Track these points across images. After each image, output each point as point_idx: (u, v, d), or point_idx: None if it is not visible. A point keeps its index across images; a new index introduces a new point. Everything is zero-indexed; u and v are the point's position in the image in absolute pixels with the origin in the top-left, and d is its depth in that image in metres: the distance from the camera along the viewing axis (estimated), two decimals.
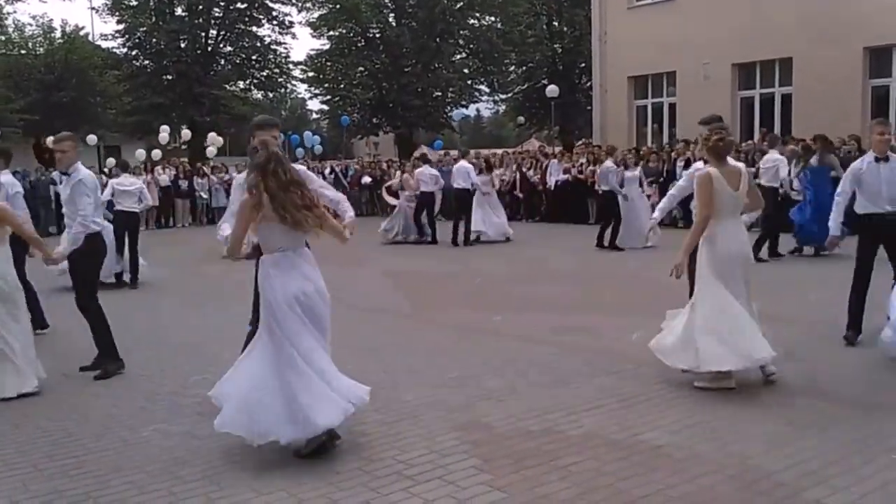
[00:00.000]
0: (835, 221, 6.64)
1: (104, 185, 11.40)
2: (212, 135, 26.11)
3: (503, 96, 39.19)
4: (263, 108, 41.42)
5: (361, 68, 35.04)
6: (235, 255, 4.67)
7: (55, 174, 21.40)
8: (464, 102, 38.09)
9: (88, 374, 6.25)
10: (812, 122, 17.39)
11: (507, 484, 3.95)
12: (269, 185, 4.32)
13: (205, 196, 23.00)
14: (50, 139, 6.50)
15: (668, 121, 22.71)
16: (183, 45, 34.79)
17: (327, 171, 24.82)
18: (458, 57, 36.33)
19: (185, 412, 5.29)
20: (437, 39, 34.55)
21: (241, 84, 38.08)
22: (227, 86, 36.49)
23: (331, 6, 34.51)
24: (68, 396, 5.78)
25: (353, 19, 33.70)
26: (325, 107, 38.67)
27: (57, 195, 19.61)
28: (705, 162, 5.55)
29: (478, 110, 49.20)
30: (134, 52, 35.57)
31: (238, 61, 37.24)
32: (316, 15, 35.76)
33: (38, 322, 7.49)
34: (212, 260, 14.01)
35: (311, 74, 36.82)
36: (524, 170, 20.59)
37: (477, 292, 10.09)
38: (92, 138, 27.15)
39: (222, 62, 36.93)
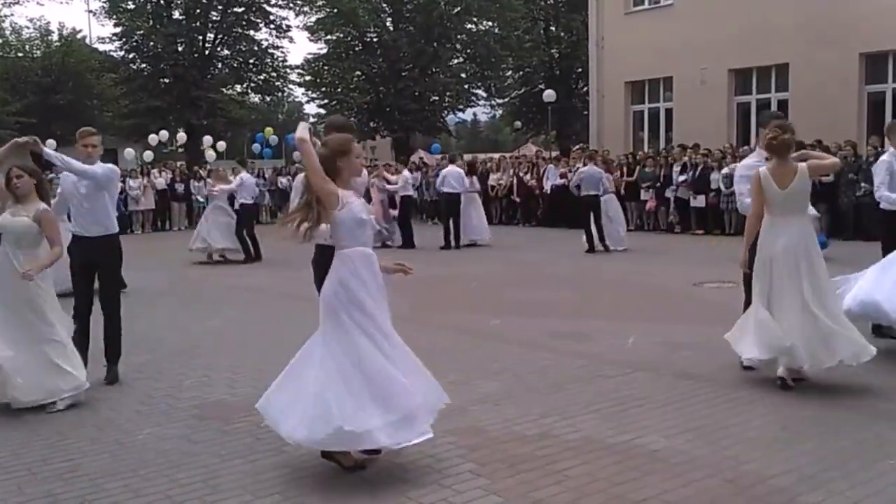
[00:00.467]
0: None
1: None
2: (207, 138, 26.11)
3: (500, 101, 39.24)
4: (260, 112, 41.47)
5: (358, 72, 35.05)
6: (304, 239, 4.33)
7: (50, 176, 21.50)
8: (461, 107, 38.11)
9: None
10: (808, 127, 17.41)
11: (503, 488, 3.94)
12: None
13: (201, 199, 22.99)
14: (81, 132, 6.11)
15: (665, 126, 22.76)
16: (180, 49, 34.77)
17: None
18: (456, 61, 36.35)
19: (180, 416, 5.28)
20: (435, 44, 34.56)
21: (238, 87, 38.07)
22: (224, 89, 36.47)
23: (328, 10, 34.52)
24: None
25: (351, 23, 33.71)
26: (321, 110, 38.68)
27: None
28: (767, 159, 5.59)
29: (475, 115, 49.26)
30: (131, 56, 35.53)
31: (235, 65, 37.23)
32: (313, 19, 35.77)
33: None
34: (208, 264, 14.02)
35: (308, 78, 36.81)
36: (521, 174, 20.63)
37: (473, 296, 10.09)
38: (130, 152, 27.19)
39: (219, 66, 36.90)
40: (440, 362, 6.48)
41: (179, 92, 33.78)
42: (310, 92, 37.86)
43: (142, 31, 34.19)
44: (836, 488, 3.83)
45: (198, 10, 34.87)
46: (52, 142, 25.78)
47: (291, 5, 36.32)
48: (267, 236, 19.59)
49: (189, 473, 4.25)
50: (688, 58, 20.70)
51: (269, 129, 27.16)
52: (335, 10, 33.70)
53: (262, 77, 37.95)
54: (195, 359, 6.79)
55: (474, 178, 16.67)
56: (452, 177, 15.38)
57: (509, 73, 37.81)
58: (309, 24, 35.87)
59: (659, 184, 17.57)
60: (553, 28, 36.39)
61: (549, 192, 19.56)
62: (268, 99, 42.21)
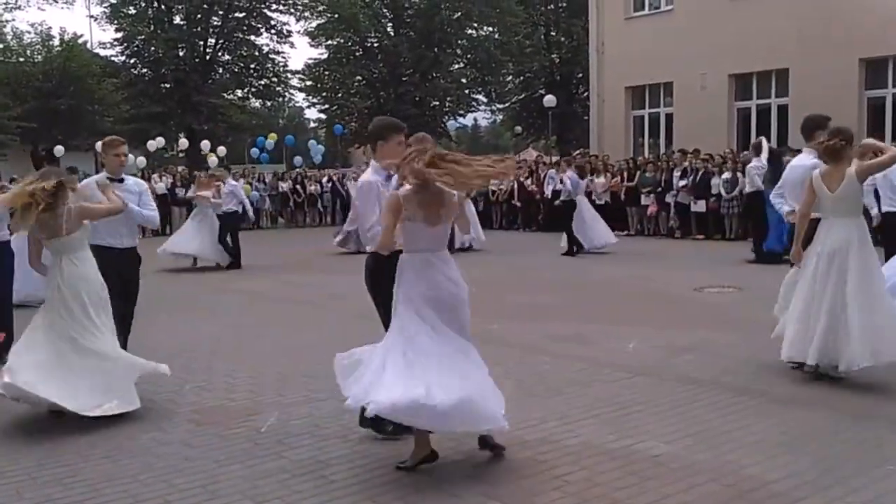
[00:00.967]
0: None
1: None
2: (204, 143, 26.10)
3: (500, 106, 39.27)
4: (261, 117, 41.50)
5: (359, 77, 35.10)
6: (389, 249, 4.42)
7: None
8: (461, 112, 38.16)
9: None
10: None
11: (504, 494, 3.94)
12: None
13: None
14: (99, 143, 6.06)
15: (665, 131, 22.77)
16: (181, 54, 34.82)
17: (325, 179, 24.87)
18: (456, 67, 36.41)
19: (179, 420, 5.27)
20: (435, 49, 34.62)
21: (239, 92, 38.11)
22: (225, 94, 36.53)
23: (329, 15, 34.60)
24: None
25: (352, 29, 33.78)
26: (322, 115, 38.73)
27: None
28: (826, 162, 5.75)
29: (475, 120, 49.27)
30: (132, 61, 35.60)
31: (236, 70, 37.29)
32: (314, 24, 35.85)
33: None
34: (205, 268, 14.01)
35: (308, 83, 36.87)
36: (521, 179, 20.64)
37: (473, 300, 10.04)
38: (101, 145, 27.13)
39: (220, 71, 36.97)
40: None
41: (180, 97, 33.84)
42: (310, 97, 37.98)
43: (143, 37, 34.26)
44: (836, 493, 3.82)
45: (199, 16, 34.93)
46: (60, 148, 25.89)
47: (292, 10, 36.42)
48: (268, 241, 19.64)
49: (188, 479, 4.24)
50: (688, 63, 20.72)
51: (273, 135, 27.18)
52: (336, 16, 33.78)
53: (262, 82, 38.01)
54: (193, 363, 6.78)
55: None
56: None
57: (510, 78, 37.86)
58: (310, 29, 35.98)
59: (660, 188, 17.58)
60: (553, 33, 36.44)
61: (549, 196, 19.55)
62: (268, 104, 42.26)
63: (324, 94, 36.68)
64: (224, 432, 4.98)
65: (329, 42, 35.65)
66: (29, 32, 33.97)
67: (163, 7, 34.64)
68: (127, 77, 34.72)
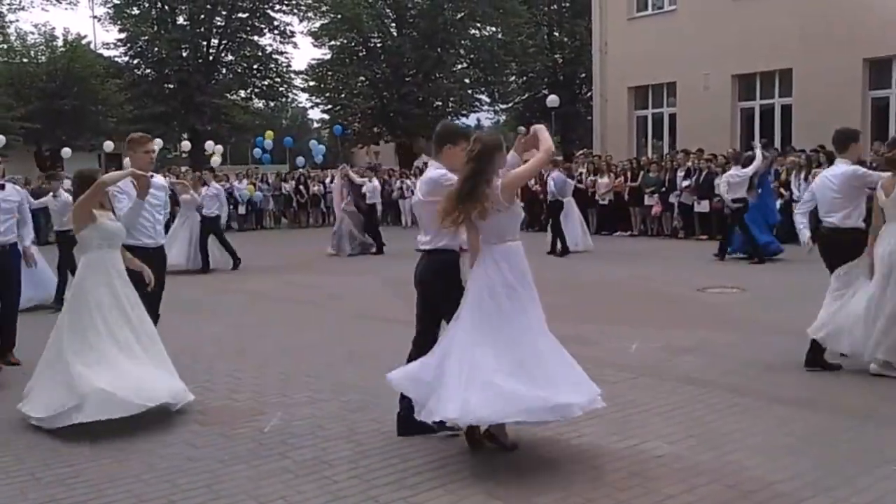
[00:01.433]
0: None
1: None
2: (209, 143, 26.13)
3: (504, 106, 39.24)
4: (264, 117, 41.53)
5: (362, 78, 35.10)
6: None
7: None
8: (464, 112, 38.14)
9: None
10: (812, 133, 17.40)
11: (506, 494, 3.94)
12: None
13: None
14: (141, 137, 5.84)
15: (669, 131, 22.75)
16: (185, 54, 34.86)
17: (328, 180, 24.86)
18: (459, 67, 36.38)
19: (182, 421, 5.27)
20: (439, 49, 34.60)
21: (242, 93, 38.13)
22: (228, 94, 36.56)
23: (332, 16, 34.60)
24: None
25: (355, 29, 33.78)
26: (325, 116, 38.74)
27: None
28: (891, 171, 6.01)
29: (478, 120, 49.22)
30: (136, 61, 35.65)
31: (239, 70, 37.31)
32: (317, 25, 35.85)
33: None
34: (205, 269, 13.98)
35: (312, 84, 36.88)
36: None
37: None
38: (108, 144, 27.19)
39: (224, 71, 37.00)
40: None
41: (184, 97, 33.87)
42: (313, 97, 37.95)
43: (146, 37, 34.30)
44: (838, 494, 3.82)
45: (202, 16, 34.97)
46: (67, 150, 25.91)
47: (296, 11, 36.44)
48: (271, 241, 19.66)
49: (191, 479, 4.25)
50: (691, 63, 20.71)
51: (269, 133, 27.19)
52: (339, 16, 33.78)
53: (266, 82, 38.03)
54: (196, 364, 6.79)
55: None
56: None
57: (513, 78, 37.83)
58: (313, 29, 35.97)
59: (663, 189, 17.56)
60: (556, 33, 36.41)
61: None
62: (272, 104, 42.30)
63: (327, 94, 36.69)
64: (228, 432, 5.00)
65: (332, 42, 35.65)
66: (33, 33, 34.07)
67: (166, 7, 34.68)
68: (130, 77, 34.77)
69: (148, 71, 35.57)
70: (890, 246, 5.73)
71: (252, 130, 37.93)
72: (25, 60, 32.71)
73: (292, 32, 37.49)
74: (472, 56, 36.25)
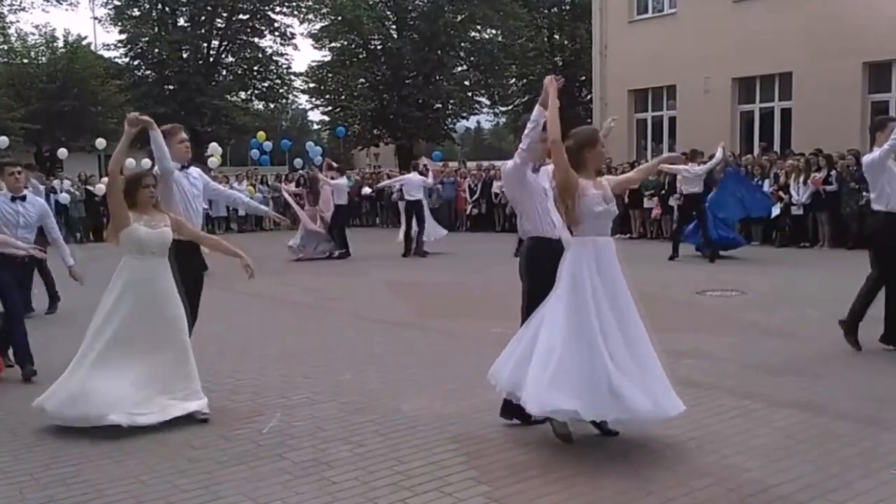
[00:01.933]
0: None
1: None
2: (213, 145, 26.13)
3: (503, 108, 39.29)
4: (264, 119, 41.53)
5: (362, 80, 35.13)
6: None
7: (57, 182, 21.51)
8: (464, 114, 38.18)
9: None
10: (812, 136, 17.45)
11: (506, 495, 3.93)
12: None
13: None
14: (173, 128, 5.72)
15: (668, 134, 22.77)
16: (185, 56, 34.89)
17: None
18: (459, 69, 36.43)
19: (182, 421, 5.25)
20: (439, 52, 34.64)
21: (242, 94, 38.15)
22: (228, 96, 36.56)
23: (333, 18, 34.64)
24: None
25: (355, 31, 33.81)
26: (325, 118, 38.77)
27: (57, 203, 19.63)
28: None
29: (478, 122, 49.32)
30: (136, 62, 35.67)
31: (240, 72, 37.33)
32: (318, 27, 35.91)
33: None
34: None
35: (312, 85, 36.91)
36: None
37: (477, 303, 10.09)
38: (101, 142, 27.18)
39: (224, 72, 37.02)
40: (442, 369, 6.50)
41: (184, 98, 33.87)
42: (314, 99, 37.99)
43: (147, 38, 34.32)
44: (838, 497, 3.82)
45: (203, 18, 35.00)
46: (63, 150, 25.88)
47: (296, 13, 36.47)
48: (271, 242, 19.66)
49: (190, 479, 4.25)
50: (691, 66, 20.73)
51: (261, 134, 27.24)
52: (339, 18, 33.81)
53: (266, 84, 38.04)
54: (197, 364, 6.77)
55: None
56: (412, 185, 15.67)
57: (513, 80, 37.88)
58: (313, 31, 36.03)
59: (663, 191, 17.56)
60: (557, 36, 36.48)
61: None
62: (272, 106, 42.33)
63: (327, 96, 36.73)
64: (227, 433, 4.99)
65: (332, 44, 35.69)
66: (33, 34, 34.07)
67: (167, 9, 34.70)
68: (130, 79, 34.79)
69: (148, 72, 35.59)
70: None
71: (252, 132, 38.02)
72: (26, 61, 32.71)
73: (293, 34, 37.57)
74: (472, 58, 36.30)
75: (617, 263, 4.66)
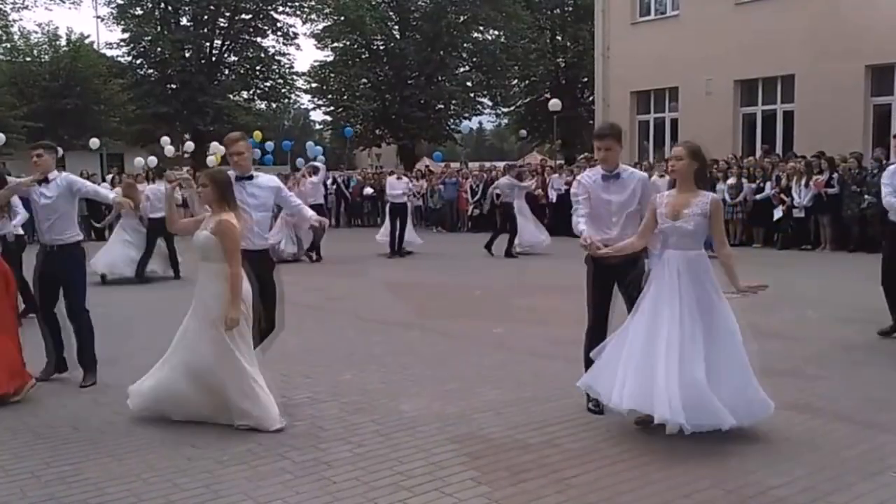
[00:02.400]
0: None
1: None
2: (214, 144, 26.16)
3: (506, 109, 39.31)
4: (266, 119, 41.59)
5: (365, 80, 35.16)
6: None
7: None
8: (466, 115, 38.24)
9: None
10: (814, 138, 17.45)
11: (505, 496, 3.94)
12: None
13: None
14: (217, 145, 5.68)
15: (670, 136, 22.76)
16: (187, 55, 34.93)
17: (329, 181, 24.88)
18: (462, 70, 36.47)
19: (183, 421, 5.26)
20: (441, 52, 34.67)
21: (244, 94, 38.21)
22: (230, 95, 36.60)
23: (335, 18, 34.67)
24: (66, 403, 5.77)
25: (358, 31, 33.85)
26: (328, 118, 38.82)
27: None
28: None
29: (480, 123, 49.32)
30: (138, 61, 35.74)
31: (242, 71, 37.38)
32: (321, 27, 35.95)
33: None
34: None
35: (314, 85, 36.96)
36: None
37: (477, 303, 10.09)
38: (95, 142, 27.22)
39: (226, 72, 37.07)
40: (442, 369, 6.50)
41: (186, 98, 33.92)
42: (316, 99, 38.04)
43: (149, 37, 34.37)
44: (837, 499, 3.82)
45: (205, 17, 35.05)
46: (59, 149, 25.94)
47: (299, 13, 36.51)
48: None
49: (191, 478, 4.25)
50: (693, 68, 20.73)
51: (257, 133, 27.32)
52: (342, 18, 33.85)
53: (268, 84, 38.10)
54: None
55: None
56: (396, 188, 16.03)
57: (515, 81, 37.90)
58: (316, 31, 36.07)
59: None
60: (559, 37, 36.49)
61: (554, 200, 19.58)
62: (274, 106, 42.38)
63: (329, 96, 36.77)
64: (227, 433, 4.99)
65: (335, 44, 35.74)
66: (36, 32, 34.16)
67: (169, 8, 34.76)
68: (133, 77, 34.85)
69: (151, 71, 35.65)
70: None
71: (254, 132, 38.08)
72: (28, 59, 32.79)
73: (295, 34, 37.68)
74: (474, 59, 36.33)
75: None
